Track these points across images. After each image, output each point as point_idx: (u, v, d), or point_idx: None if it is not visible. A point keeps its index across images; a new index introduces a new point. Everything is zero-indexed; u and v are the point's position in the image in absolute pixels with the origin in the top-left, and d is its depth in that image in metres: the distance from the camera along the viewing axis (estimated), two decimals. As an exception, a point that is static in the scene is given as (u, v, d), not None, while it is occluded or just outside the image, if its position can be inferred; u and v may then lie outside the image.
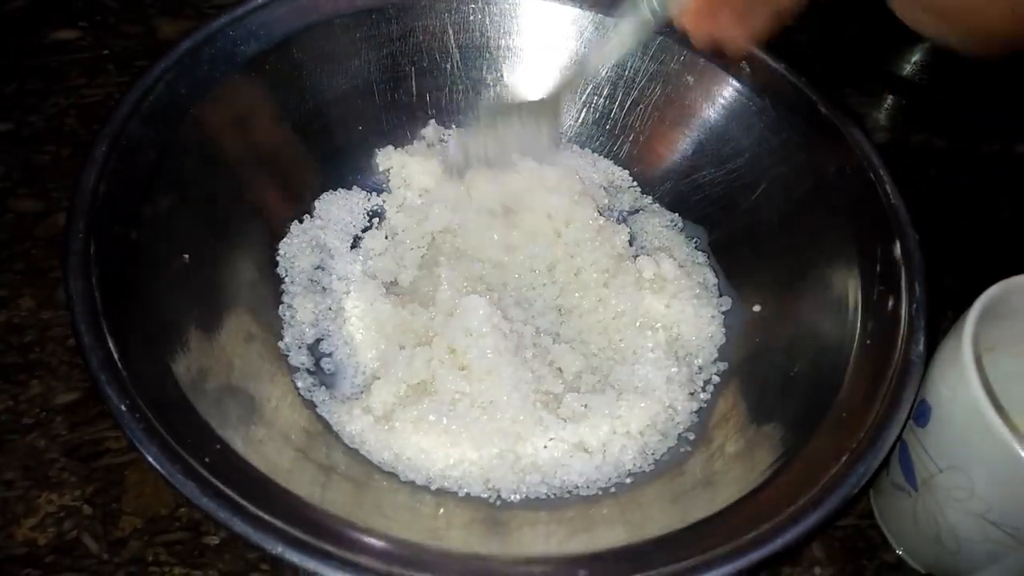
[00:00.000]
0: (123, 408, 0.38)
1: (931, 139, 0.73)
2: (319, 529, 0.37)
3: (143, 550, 0.45)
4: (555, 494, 0.46)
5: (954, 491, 0.42)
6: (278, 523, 0.36)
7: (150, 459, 0.37)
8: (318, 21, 0.56)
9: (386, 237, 0.57)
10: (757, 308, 0.54)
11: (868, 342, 0.46)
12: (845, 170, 0.53)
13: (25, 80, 0.66)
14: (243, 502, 0.36)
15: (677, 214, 0.61)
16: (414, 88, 0.61)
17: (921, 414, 0.43)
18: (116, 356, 0.39)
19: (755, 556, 0.37)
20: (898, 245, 0.48)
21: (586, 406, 0.49)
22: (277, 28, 0.55)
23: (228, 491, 0.37)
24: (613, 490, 0.46)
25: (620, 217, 0.61)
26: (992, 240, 0.66)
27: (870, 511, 0.51)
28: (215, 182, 0.52)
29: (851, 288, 0.49)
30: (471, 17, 0.61)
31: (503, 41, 0.61)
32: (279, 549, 0.35)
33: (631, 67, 0.61)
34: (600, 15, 0.60)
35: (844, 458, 0.40)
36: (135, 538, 0.45)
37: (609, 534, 0.43)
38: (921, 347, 0.43)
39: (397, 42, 0.59)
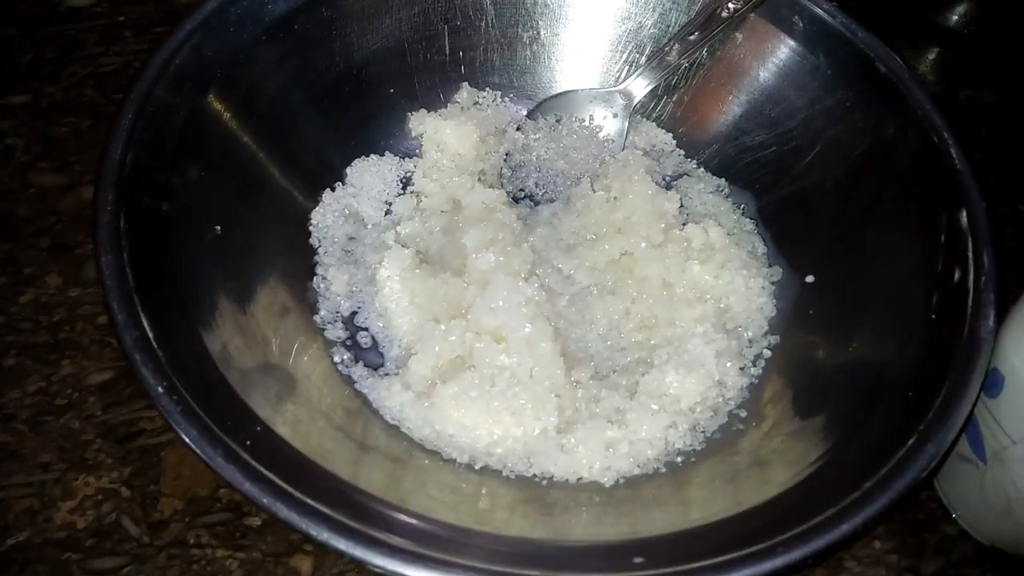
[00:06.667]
0: (160, 390, 0.36)
1: (980, 92, 0.71)
2: (364, 513, 0.36)
3: (184, 532, 0.44)
4: (603, 473, 0.44)
5: (1029, 463, 0.40)
6: (323, 508, 0.35)
7: (190, 443, 0.36)
8: (349, -23, 0.54)
9: (416, 203, 0.56)
10: (810, 279, 0.52)
11: (933, 316, 0.43)
12: (905, 131, 0.50)
13: (42, 49, 0.64)
14: (287, 487, 0.35)
15: (723, 179, 0.58)
16: (447, 47, 0.59)
17: (992, 384, 0.41)
18: (151, 335, 0.38)
19: (819, 544, 0.35)
20: (964, 212, 0.45)
21: (634, 381, 0.47)
22: (307, -15, 0.52)
23: (271, 475, 0.35)
24: (663, 469, 0.45)
25: (665, 183, 0.58)
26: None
27: (930, 482, 0.49)
28: (244, 149, 0.50)
29: (913, 258, 0.46)
30: (507, -30, 0.58)
31: (539, -4, 0.59)
32: (324, 536, 0.34)
33: (676, 23, 0.58)
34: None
35: (911, 440, 0.38)
36: (175, 520, 0.44)
37: (661, 516, 0.42)
38: (991, 322, 0.41)
39: (429, -3, 0.57)
